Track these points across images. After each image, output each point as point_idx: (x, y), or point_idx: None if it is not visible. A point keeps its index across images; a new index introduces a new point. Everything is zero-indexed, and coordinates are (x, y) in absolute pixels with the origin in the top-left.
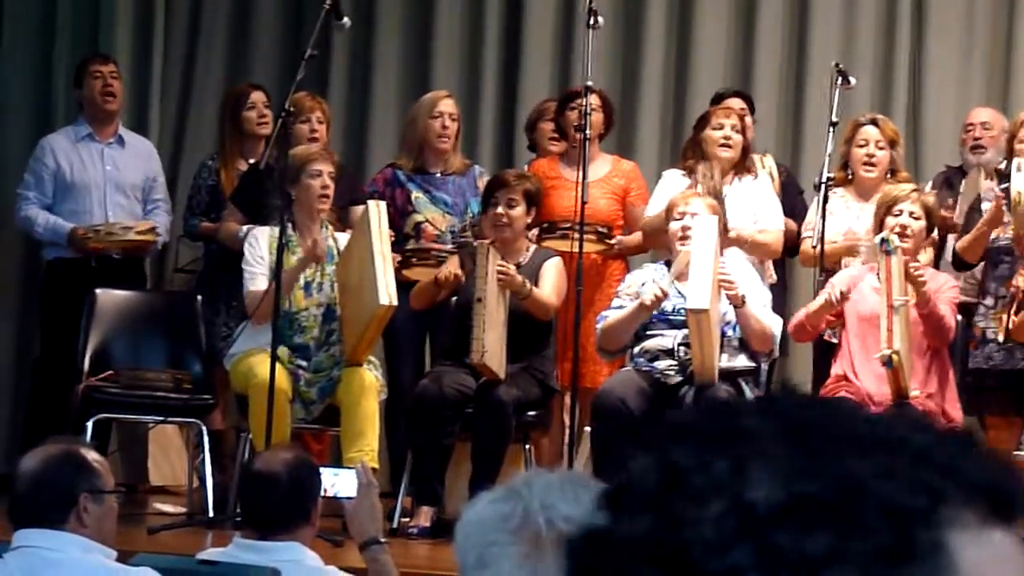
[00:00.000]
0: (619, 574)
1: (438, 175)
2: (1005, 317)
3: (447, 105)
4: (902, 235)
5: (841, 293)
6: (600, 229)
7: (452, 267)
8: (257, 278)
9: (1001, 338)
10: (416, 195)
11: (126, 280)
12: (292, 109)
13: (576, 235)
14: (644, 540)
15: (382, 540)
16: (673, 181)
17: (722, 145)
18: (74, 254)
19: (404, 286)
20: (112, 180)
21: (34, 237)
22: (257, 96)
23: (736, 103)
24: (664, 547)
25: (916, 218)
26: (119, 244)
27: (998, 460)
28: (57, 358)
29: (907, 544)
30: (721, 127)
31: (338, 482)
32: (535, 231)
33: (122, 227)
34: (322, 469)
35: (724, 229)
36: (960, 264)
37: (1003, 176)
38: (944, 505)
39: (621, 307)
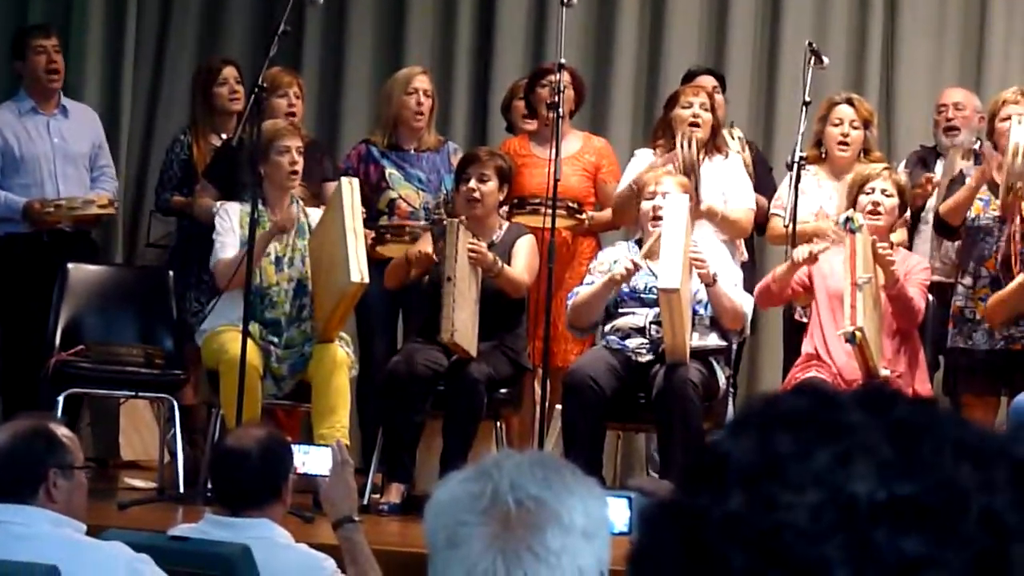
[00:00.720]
0: (701, 549)
1: (412, 152)
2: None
3: (422, 81)
4: (874, 212)
5: (810, 253)
6: (571, 205)
7: (423, 245)
8: (227, 247)
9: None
10: (390, 171)
11: (79, 253)
12: (265, 85)
13: (546, 209)
14: (735, 518)
15: (356, 519)
16: (644, 160)
17: (691, 124)
18: (27, 229)
19: (377, 263)
20: (60, 151)
21: None
22: (229, 71)
23: (707, 81)
24: (755, 527)
25: (888, 195)
26: (80, 219)
27: None
28: (21, 334)
29: (1002, 558)
30: (690, 105)
31: (310, 459)
32: (504, 208)
33: (82, 201)
34: (295, 446)
35: (696, 201)
36: (941, 228)
37: (977, 155)
38: None
39: (592, 283)
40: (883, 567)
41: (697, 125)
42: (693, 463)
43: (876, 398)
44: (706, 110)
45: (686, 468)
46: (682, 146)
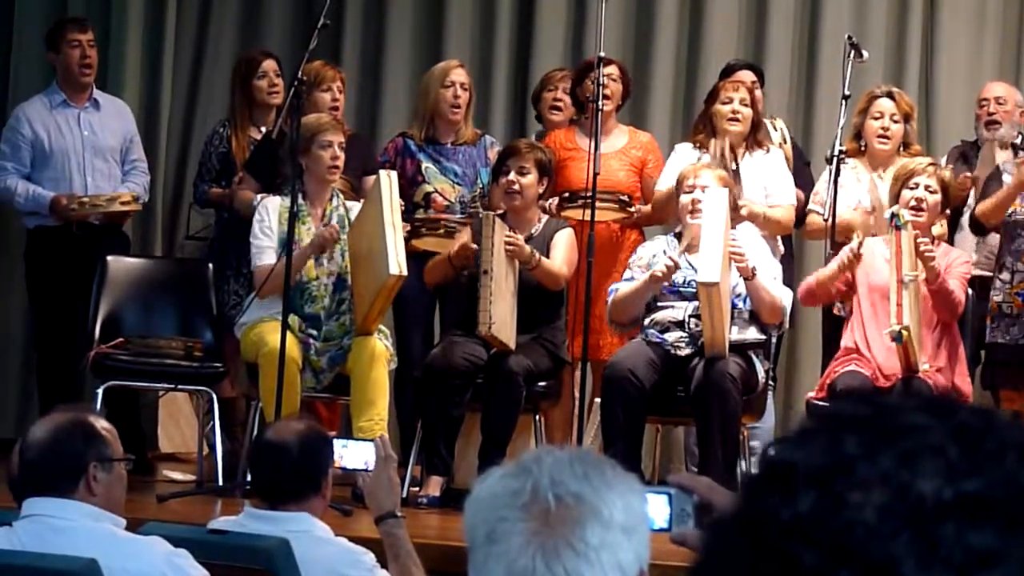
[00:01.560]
0: (771, 550)
1: (449, 145)
2: None
3: (459, 75)
4: (917, 208)
5: (853, 253)
6: (622, 197)
7: (464, 238)
8: (265, 252)
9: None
10: (426, 165)
11: (109, 246)
12: (305, 78)
13: (598, 203)
14: (805, 518)
15: (399, 514)
16: (685, 154)
17: (731, 119)
18: (56, 222)
19: (414, 256)
20: (90, 145)
21: (14, 208)
22: (269, 64)
23: (747, 75)
24: (825, 526)
25: (932, 192)
26: (107, 215)
27: None
28: (55, 327)
29: None
30: (730, 100)
31: (352, 453)
32: (555, 200)
33: (107, 199)
34: (336, 440)
35: (735, 205)
36: (977, 228)
37: (1018, 149)
38: None
39: (632, 279)
40: (950, 562)
41: (737, 120)
42: (756, 473)
43: (938, 403)
44: (746, 105)
45: (749, 478)
46: (715, 156)
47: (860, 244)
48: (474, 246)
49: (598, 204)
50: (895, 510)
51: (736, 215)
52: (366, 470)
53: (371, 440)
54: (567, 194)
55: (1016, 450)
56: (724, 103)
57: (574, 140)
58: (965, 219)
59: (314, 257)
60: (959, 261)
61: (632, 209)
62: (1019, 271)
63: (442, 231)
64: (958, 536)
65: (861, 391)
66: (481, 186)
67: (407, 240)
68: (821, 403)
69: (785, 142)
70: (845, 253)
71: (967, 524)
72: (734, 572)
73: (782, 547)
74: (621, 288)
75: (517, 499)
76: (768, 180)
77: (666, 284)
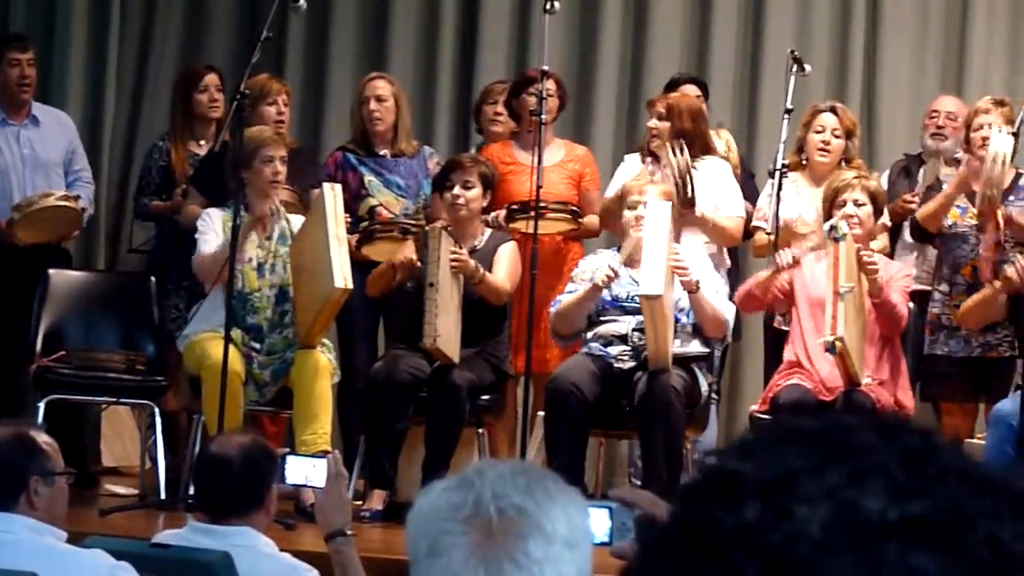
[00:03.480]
0: (713, 559)
1: (389, 157)
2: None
3: (373, 88)
4: (852, 224)
5: (793, 258)
6: (574, 208)
7: (408, 252)
8: (209, 241)
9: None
10: (369, 179)
11: (51, 259)
12: (249, 92)
13: (546, 213)
14: (750, 528)
15: (348, 532)
16: (633, 166)
17: (652, 133)
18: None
19: (359, 268)
20: (30, 162)
21: None
22: (211, 79)
23: (690, 89)
24: (770, 537)
25: (861, 205)
26: (45, 214)
27: None
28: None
29: None
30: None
31: (304, 470)
32: (502, 212)
33: (40, 195)
34: (290, 456)
35: (691, 205)
36: (919, 234)
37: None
38: None
39: (575, 291)
40: None
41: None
42: (695, 481)
43: (884, 423)
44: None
45: (687, 486)
46: (674, 152)
47: (803, 254)
48: (419, 263)
49: (551, 215)
50: (840, 526)
51: (689, 215)
52: (307, 486)
53: (315, 455)
54: (516, 206)
55: (956, 475)
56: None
57: (512, 154)
58: (906, 235)
59: (256, 268)
60: (900, 274)
61: (582, 220)
62: (957, 284)
63: (395, 231)
64: (900, 557)
65: (806, 405)
66: (424, 198)
67: (358, 248)
68: (764, 416)
69: (730, 151)
70: (784, 255)
71: (910, 545)
72: None
73: (725, 555)
74: (563, 300)
75: (459, 512)
76: (716, 192)
77: (609, 298)
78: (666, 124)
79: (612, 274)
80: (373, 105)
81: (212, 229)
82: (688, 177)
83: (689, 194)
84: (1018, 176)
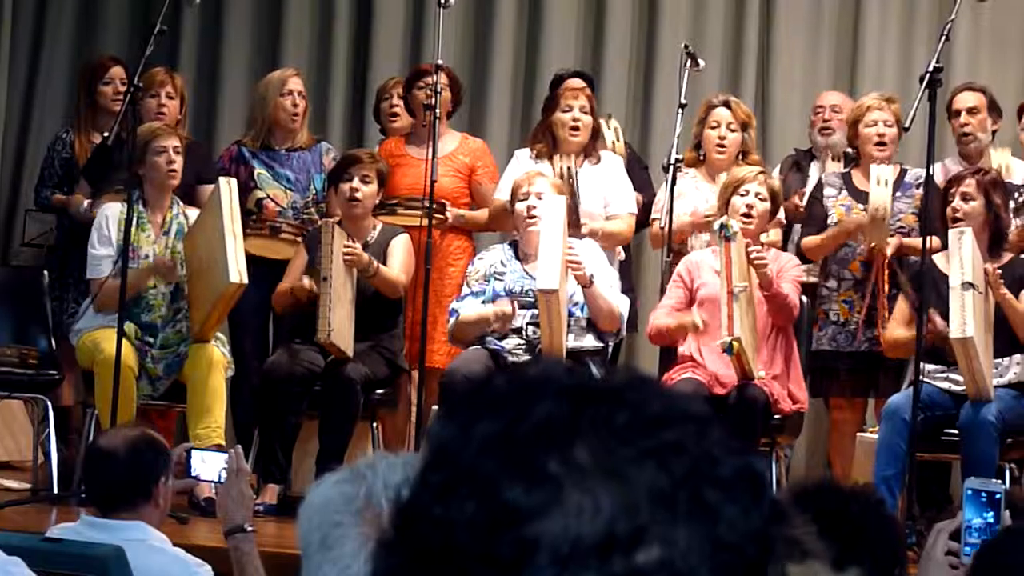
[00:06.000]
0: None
1: (283, 151)
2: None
3: (296, 83)
4: (747, 215)
5: (704, 323)
6: (427, 204)
7: (307, 284)
8: (102, 263)
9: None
10: (259, 171)
11: None
12: (141, 84)
13: (406, 210)
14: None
15: (248, 528)
16: (523, 162)
17: (572, 128)
18: None
19: (251, 262)
20: None
21: None
22: (116, 71)
23: (577, 83)
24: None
25: (762, 199)
26: None
27: None
28: None
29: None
30: (570, 108)
31: (204, 464)
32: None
33: None
34: (194, 451)
35: (576, 222)
36: (802, 259)
37: (849, 159)
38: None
39: (472, 294)
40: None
41: (578, 129)
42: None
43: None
44: (586, 113)
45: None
46: (558, 174)
47: (701, 324)
48: (313, 287)
49: (403, 211)
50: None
51: (576, 232)
52: (196, 477)
53: (210, 449)
54: (378, 201)
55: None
56: (564, 111)
57: (403, 148)
58: (796, 228)
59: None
60: (790, 265)
61: (442, 215)
62: (845, 279)
63: (266, 230)
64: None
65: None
66: (315, 192)
67: None
68: None
69: (618, 140)
70: (695, 319)
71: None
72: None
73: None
74: (464, 311)
75: (351, 504)
76: (607, 190)
77: (504, 292)
78: (589, 119)
79: (510, 313)
80: (297, 100)
81: (106, 237)
82: (574, 193)
83: (575, 215)
84: (903, 172)
